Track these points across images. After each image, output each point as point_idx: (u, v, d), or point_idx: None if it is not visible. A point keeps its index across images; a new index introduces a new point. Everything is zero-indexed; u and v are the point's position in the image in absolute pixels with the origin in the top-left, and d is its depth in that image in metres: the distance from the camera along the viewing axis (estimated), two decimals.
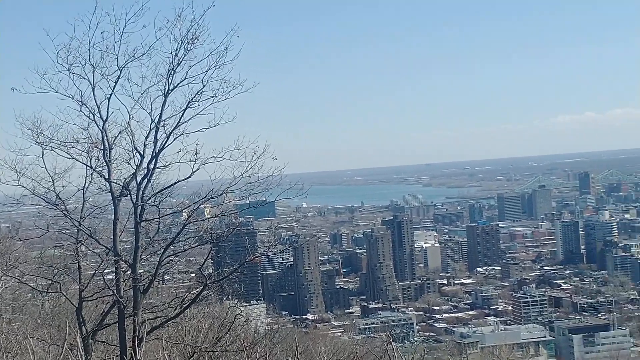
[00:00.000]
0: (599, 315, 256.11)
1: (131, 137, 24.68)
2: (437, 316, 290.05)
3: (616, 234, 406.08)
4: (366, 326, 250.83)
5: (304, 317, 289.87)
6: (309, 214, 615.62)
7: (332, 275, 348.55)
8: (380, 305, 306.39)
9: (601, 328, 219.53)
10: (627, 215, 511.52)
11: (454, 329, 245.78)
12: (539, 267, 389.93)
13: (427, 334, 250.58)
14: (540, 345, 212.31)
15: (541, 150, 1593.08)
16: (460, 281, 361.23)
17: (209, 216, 28.21)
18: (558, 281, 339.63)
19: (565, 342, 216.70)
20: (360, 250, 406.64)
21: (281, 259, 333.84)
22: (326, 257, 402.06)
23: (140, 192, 24.74)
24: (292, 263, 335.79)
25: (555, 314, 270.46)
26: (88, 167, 25.42)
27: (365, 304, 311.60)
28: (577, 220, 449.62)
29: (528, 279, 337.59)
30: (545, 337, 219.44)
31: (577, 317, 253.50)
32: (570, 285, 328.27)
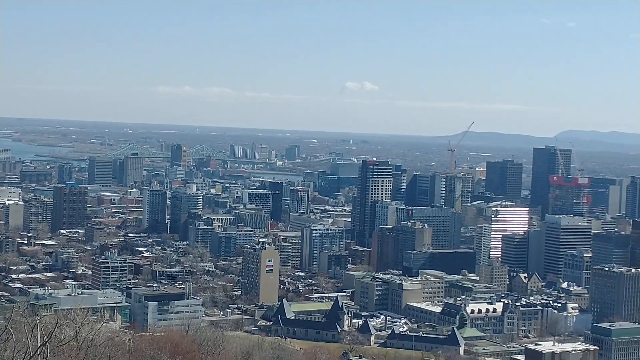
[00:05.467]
0: (176, 284, 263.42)
1: None
2: (13, 276, 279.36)
3: (201, 207, 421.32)
4: None
5: None
6: None
7: None
8: None
9: (177, 297, 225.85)
10: (212, 190, 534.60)
11: (29, 290, 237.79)
12: (123, 233, 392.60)
13: (0, 293, 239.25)
14: (115, 311, 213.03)
15: (138, 117, 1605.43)
16: (41, 242, 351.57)
17: None
18: (140, 248, 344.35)
19: (141, 308, 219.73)
20: None
21: None
22: None
23: None
24: None
25: (134, 281, 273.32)
26: None
27: None
28: (166, 190, 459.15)
29: (111, 245, 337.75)
30: (121, 302, 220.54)
31: (155, 285, 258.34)
32: (152, 253, 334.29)
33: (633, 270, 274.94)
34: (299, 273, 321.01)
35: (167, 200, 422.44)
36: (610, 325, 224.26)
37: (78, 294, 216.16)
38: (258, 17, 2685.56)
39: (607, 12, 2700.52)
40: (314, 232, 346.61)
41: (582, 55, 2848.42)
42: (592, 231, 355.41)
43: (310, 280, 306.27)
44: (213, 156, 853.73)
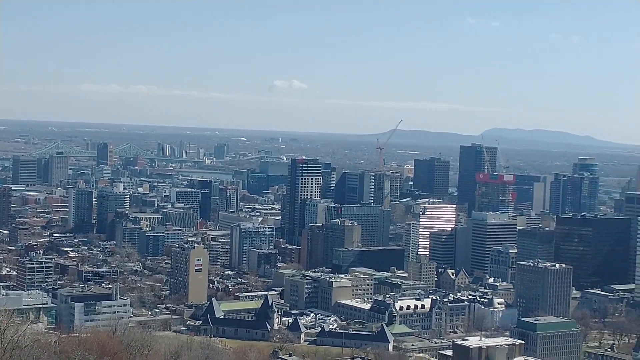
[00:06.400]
0: (103, 284, 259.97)
1: None
2: None
3: (128, 206, 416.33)
4: None
5: None
6: None
7: None
8: None
9: (104, 297, 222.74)
10: (140, 189, 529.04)
11: None
12: (48, 233, 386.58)
13: None
14: (41, 312, 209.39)
15: (64, 116, 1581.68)
16: None
17: None
18: (66, 249, 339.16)
19: (67, 309, 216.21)
20: None
21: None
22: None
23: None
24: None
25: (60, 282, 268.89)
26: None
27: None
28: (92, 189, 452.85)
29: (36, 245, 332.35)
30: (47, 304, 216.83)
31: (81, 286, 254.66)
32: (78, 253, 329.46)
33: (557, 265, 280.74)
34: (229, 272, 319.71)
35: (94, 199, 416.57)
36: (535, 320, 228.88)
37: (2, 295, 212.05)
38: (184, 15, 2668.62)
39: (529, 12, 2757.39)
40: (243, 230, 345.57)
41: (506, 54, 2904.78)
42: (517, 227, 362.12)
43: (239, 279, 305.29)
44: (140, 155, 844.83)
